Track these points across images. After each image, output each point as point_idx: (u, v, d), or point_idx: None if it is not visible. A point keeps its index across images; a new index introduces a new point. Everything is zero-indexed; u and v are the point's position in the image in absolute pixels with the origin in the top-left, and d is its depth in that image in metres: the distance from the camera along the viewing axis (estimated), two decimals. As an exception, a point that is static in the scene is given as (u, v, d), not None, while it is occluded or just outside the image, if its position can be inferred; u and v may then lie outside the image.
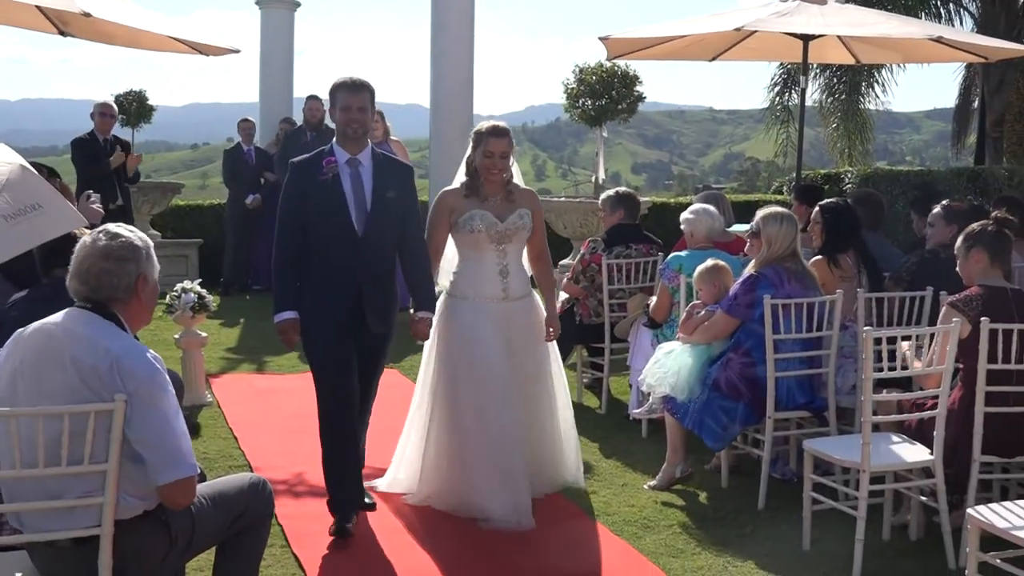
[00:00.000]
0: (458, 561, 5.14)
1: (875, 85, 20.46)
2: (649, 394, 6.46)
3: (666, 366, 6.26)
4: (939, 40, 9.68)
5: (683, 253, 7.24)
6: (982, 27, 18.45)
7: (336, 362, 5.38)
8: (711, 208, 7.52)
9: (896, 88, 23.93)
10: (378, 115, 12.26)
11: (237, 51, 10.86)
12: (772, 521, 5.67)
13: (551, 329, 6.05)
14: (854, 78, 19.93)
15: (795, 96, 19.58)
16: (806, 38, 9.63)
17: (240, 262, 13.78)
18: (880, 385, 5.32)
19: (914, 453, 5.21)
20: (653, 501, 6.01)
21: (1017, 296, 5.33)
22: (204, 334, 8.09)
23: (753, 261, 6.21)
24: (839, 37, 10.25)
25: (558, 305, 7.60)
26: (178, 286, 7.85)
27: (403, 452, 6.12)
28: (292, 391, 8.44)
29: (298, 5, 16.60)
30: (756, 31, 9.49)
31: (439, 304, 5.84)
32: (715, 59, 11.06)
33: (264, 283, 13.63)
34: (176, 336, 8.07)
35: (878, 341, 5.02)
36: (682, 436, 6.16)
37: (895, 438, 5.37)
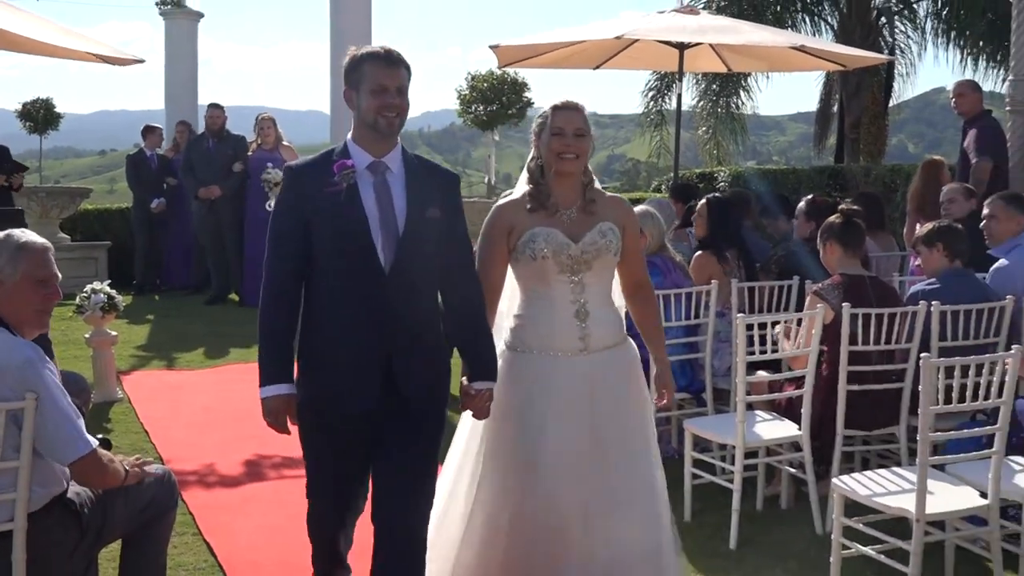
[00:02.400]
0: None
1: (744, 91, 20.91)
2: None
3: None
4: (802, 49, 9.96)
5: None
6: (840, 38, 18.98)
7: (339, 477, 3.71)
8: (651, 210, 7.63)
9: (763, 94, 24.59)
10: (270, 120, 12.17)
11: (142, 61, 10.70)
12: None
13: (664, 391, 4.20)
14: (725, 85, 20.31)
15: (670, 101, 19.91)
16: (681, 47, 9.79)
17: (150, 264, 13.51)
18: (752, 367, 5.47)
19: (784, 429, 5.35)
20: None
21: (875, 283, 5.51)
22: (114, 333, 7.91)
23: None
24: (711, 46, 10.44)
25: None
26: (87, 287, 7.65)
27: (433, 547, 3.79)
28: (201, 386, 8.38)
29: (201, 16, 16.31)
30: (636, 40, 9.61)
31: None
32: (599, 67, 11.17)
33: (174, 283, 13.42)
34: (87, 335, 7.87)
35: (750, 327, 5.16)
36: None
37: (766, 416, 5.51)
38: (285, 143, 12.13)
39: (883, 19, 20.06)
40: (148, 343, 10.25)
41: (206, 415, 7.41)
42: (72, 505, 3.53)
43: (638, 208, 6.48)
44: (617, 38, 9.37)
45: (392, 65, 3.48)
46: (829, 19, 20.13)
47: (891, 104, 21.01)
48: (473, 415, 3.80)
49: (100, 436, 3.63)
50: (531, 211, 3.90)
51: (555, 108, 3.93)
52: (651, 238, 6.27)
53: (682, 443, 5.79)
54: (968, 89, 8.87)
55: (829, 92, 21.50)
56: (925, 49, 20.47)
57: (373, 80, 3.44)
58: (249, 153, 12.09)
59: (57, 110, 24.56)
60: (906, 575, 4.14)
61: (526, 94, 14.88)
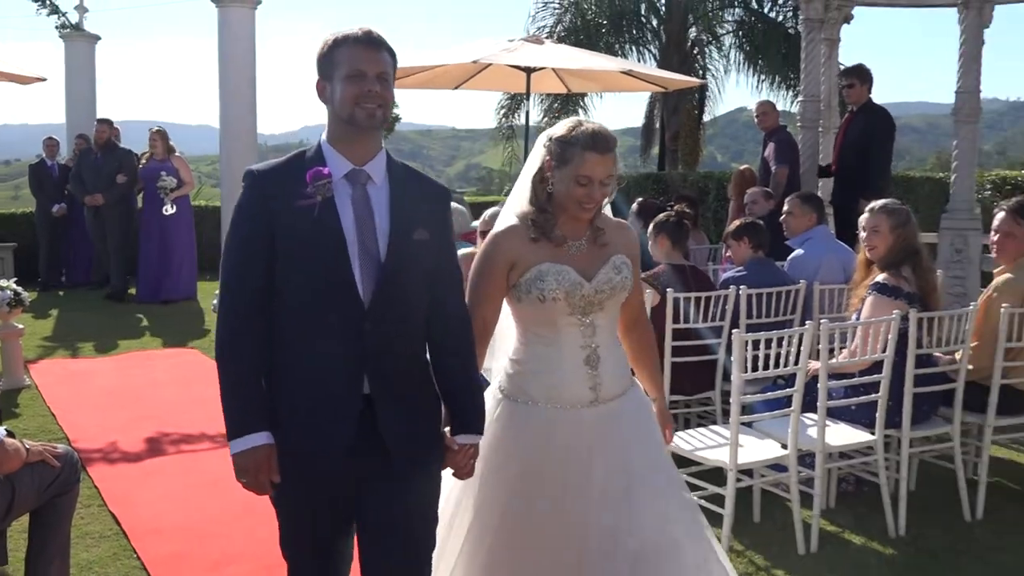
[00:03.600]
0: None
1: (582, 109, 21.19)
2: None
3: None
4: (629, 73, 10.10)
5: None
6: (662, 64, 19.38)
7: (317, 539, 2.69)
8: (461, 208, 7.59)
9: (597, 111, 24.95)
10: (159, 133, 11.72)
11: (44, 79, 10.26)
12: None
13: (667, 431, 3.22)
14: (566, 104, 20.54)
15: (519, 118, 20.08)
16: (528, 71, 9.81)
17: (53, 263, 12.92)
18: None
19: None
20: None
21: (694, 272, 5.62)
22: (21, 326, 7.49)
23: None
24: (554, 70, 10.50)
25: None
26: (-5, 284, 7.21)
27: None
28: (103, 372, 8.02)
29: (98, 38, 15.61)
30: (490, 64, 9.59)
31: (487, 405, 2.85)
32: (458, 87, 11.11)
33: (77, 280, 12.88)
34: (-5, 328, 7.44)
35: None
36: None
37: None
38: (176, 154, 11.79)
39: (696, 49, 20.65)
40: (53, 335, 9.73)
41: (108, 398, 7.09)
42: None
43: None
44: (473, 62, 9.34)
45: (372, 47, 2.50)
46: (652, 48, 20.53)
47: (704, 120, 21.64)
48: (453, 474, 2.72)
49: (5, 428, 3.40)
50: (533, 241, 2.88)
51: (588, 146, 2.79)
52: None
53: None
54: (769, 108, 9.20)
55: (652, 110, 21.99)
56: (730, 75, 21.16)
57: (349, 64, 2.47)
58: (142, 164, 11.70)
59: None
60: (722, 516, 4.24)
61: (395, 111, 14.74)
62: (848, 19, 9.64)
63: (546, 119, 21.34)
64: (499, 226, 2.98)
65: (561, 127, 2.89)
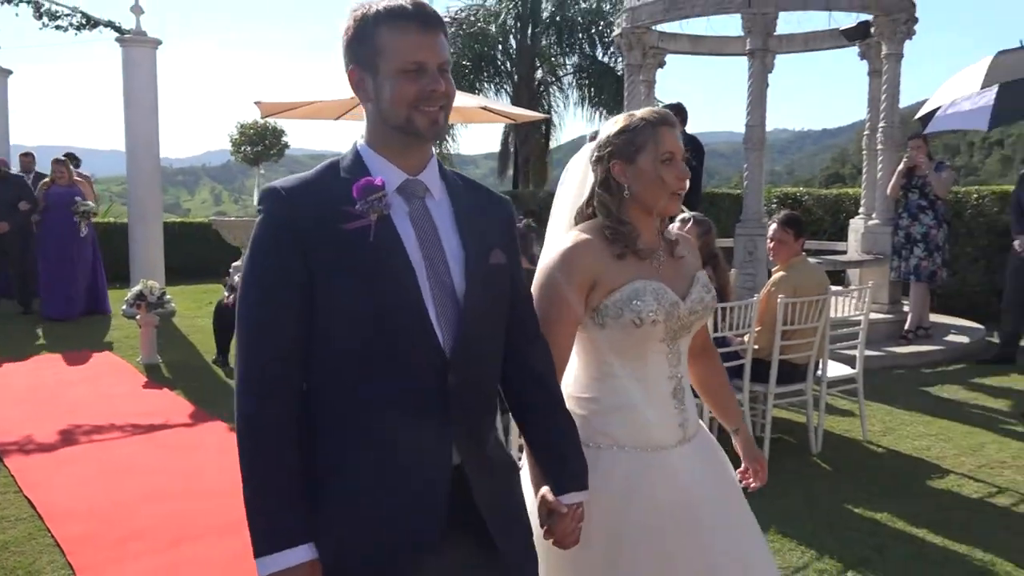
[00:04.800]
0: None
1: (450, 138, 21.35)
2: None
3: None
4: (486, 108, 10.25)
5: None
6: (514, 100, 19.77)
7: None
8: None
9: (463, 138, 25.19)
10: (60, 161, 10.77)
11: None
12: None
13: (758, 467, 2.39)
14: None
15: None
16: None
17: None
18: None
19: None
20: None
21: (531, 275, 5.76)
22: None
23: None
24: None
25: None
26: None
27: None
28: (17, 374, 7.55)
29: (10, 72, 14.72)
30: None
31: None
32: (339, 118, 11.00)
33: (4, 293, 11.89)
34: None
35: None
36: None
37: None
38: (77, 177, 11.01)
39: (543, 88, 21.11)
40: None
41: (23, 395, 6.73)
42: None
43: None
44: (351, 98, 9.29)
45: (430, 29, 1.62)
46: (507, 87, 20.89)
47: (552, 147, 22.08)
48: (555, 542, 1.81)
49: None
50: (619, 258, 2.07)
51: (659, 123, 2.08)
52: None
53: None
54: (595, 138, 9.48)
55: (507, 138, 22.25)
56: (570, 109, 21.74)
57: (402, 54, 1.60)
58: (45, 190, 10.63)
59: None
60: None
61: (284, 138, 14.52)
62: (662, 64, 10.06)
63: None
64: (565, 242, 2.09)
65: (610, 127, 2.13)
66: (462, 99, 10.76)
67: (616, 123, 2.13)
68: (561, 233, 2.18)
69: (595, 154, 2.14)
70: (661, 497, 2.06)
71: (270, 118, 11.69)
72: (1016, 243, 7.33)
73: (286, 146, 14.23)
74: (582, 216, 2.18)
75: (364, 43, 1.63)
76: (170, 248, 12.03)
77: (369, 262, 1.56)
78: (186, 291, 12.09)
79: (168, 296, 8.03)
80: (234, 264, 8.33)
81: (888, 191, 8.42)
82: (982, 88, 6.54)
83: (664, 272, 2.13)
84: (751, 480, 2.37)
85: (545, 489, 1.82)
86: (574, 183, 2.23)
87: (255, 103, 9.66)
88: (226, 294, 7.87)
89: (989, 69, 6.43)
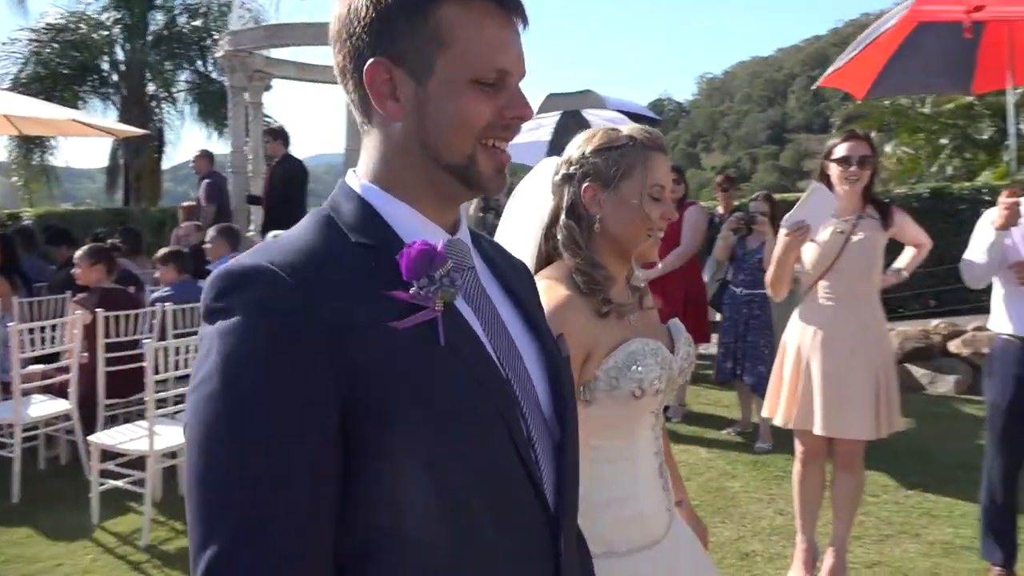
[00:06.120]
0: None
1: (46, 151, 19.40)
2: None
3: None
4: (77, 121, 9.48)
5: None
6: (123, 113, 18.65)
7: None
8: None
9: (63, 151, 22.98)
10: None
11: None
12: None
13: (703, 541, 1.92)
14: (40, 143, 18.63)
15: None
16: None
17: None
18: (32, 362, 5.18)
19: (58, 405, 5.13)
20: None
21: (123, 294, 5.51)
22: None
23: None
24: (5, 116, 9.44)
25: None
26: None
27: None
28: None
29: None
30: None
31: None
32: None
33: None
34: None
35: (26, 332, 4.86)
36: None
37: (43, 397, 5.23)
38: None
39: (155, 103, 19.87)
40: None
41: None
42: None
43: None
44: None
45: (514, 18, 0.98)
46: (115, 99, 19.34)
47: (168, 165, 20.86)
48: None
49: None
50: (602, 316, 1.63)
51: (652, 147, 1.66)
52: None
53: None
54: (203, 155, 9.29)
55: (116, 153, 20.61)
56: (185, 124, 20.76)
57: (483, 55, 0.95)
58: None
59: None
60: (144, 496, 4.27)
61: None
62: (268, 87, 10.11)
63: (15, 156, 19.25)
64: (555, 297, 1.60)
65: (585, 142, 1.70)
66: (51, 110, 9.82)
67: (593, 138, 1.69)
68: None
69: (562, 171, 1.70)
70: None
71: None
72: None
73: None
74: (541, 258, 1.70)
75: (412, 20, 0.94)
76: None
77: (439, 379, 0.92)
78: None
79: None
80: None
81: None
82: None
83: (640, 329, 1.69)
84: None
85: None
86: (538, 213, 1.74)
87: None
88: None
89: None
